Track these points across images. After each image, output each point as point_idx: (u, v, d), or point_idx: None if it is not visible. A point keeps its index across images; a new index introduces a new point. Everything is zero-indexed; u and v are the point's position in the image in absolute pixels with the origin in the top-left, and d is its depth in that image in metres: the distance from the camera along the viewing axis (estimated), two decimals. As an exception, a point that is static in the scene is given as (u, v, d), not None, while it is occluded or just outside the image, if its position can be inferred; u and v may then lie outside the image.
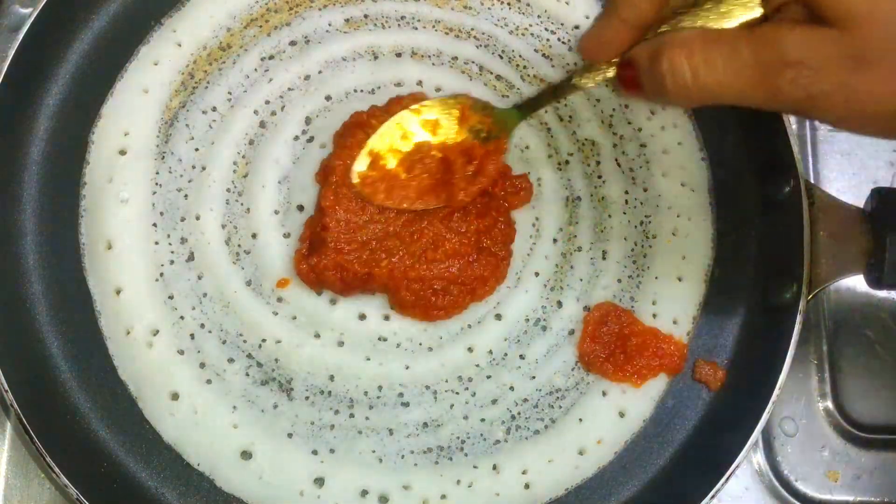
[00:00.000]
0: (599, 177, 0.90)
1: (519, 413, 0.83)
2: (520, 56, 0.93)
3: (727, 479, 0.78)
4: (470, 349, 0.84)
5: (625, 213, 0.90)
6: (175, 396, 0.79)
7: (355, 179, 0.82)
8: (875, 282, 0.81)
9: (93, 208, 0.83)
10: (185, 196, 0.85)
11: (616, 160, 0.91)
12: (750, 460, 0.92)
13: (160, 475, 0.78)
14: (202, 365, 0.81)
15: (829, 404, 0.95)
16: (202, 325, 0.82)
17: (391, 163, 0.82)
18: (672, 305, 0.87)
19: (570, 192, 0.90)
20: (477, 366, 0.83)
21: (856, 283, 0.87)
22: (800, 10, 0.57)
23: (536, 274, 0.87)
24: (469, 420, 0.82)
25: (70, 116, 0.86)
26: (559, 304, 0.86)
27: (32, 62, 0.83)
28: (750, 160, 0.91)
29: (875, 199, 0.83)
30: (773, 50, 0.55)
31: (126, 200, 0.84)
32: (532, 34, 0.94)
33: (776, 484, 0.91)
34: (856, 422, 0.94)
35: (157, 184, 0.85)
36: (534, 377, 0.84)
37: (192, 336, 0.81)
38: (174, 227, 0.84)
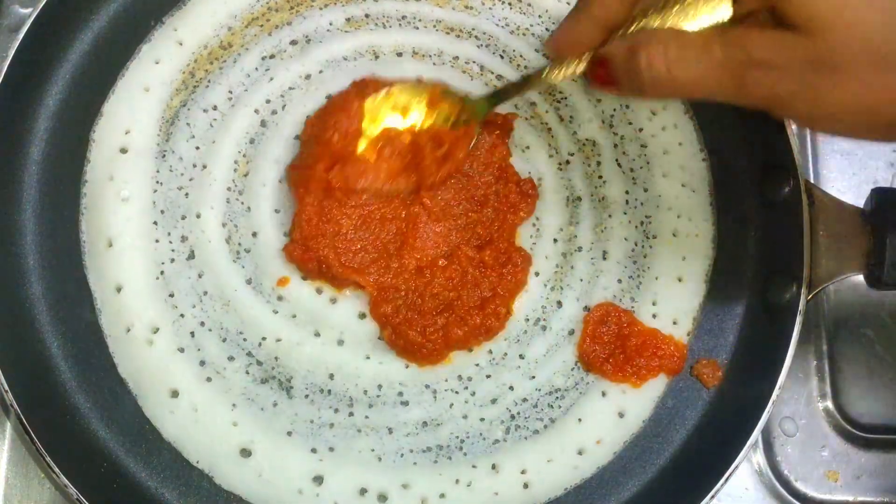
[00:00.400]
0: (600, 177, 0.90)
1: (518, 413, 0.83)
2: (521, 56, 0.94)
3: (727, 479, 0.77)
4: (470, 348, 0.84)
5: (625, 214, 0.89)
6: (175, 394, 0.79)
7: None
8: (875, 282, 0.81)
9: (93, 206, 0.83)
10: (186, 194, 0.85)
11: (617, 160, 0.91)
12: (750, 460, 0.92)
13: (160, 475, 0.78)
14: (202, 363, 0.81)
15: (829, 404, 0.95)
16: (202, 324, 0.82)
17: (360, 146, 0.83)
18: (672, 306, 0.87)
19: (571, 193, 0.90)
20: (476, 365, 0.83)
21: (856, 283, 0.88)
22: (768, 16, 0.59)
23: (537, 274, 0.87)
24: (468, 419, 0.82)
25: (71, 115, 0.86)
26: (559, 303, 0.86)
27: (32, 62, 0.83)
28: (750, 160, 0.91)
29: (875, 199, 0.83)
30: (741, 50, 0.58)
31: (127, 199, 0.84)
32: (533, 34, 0.94)
33: (776, 484, 0.91)
34: (856, 422, 0.94)
35: (157, 182, 0.85)
36: (533, 377, 0.84)
37: (193, 334, 0.81)
38: (175, 225, 0.84)
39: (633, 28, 0.66)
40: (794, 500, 0.91)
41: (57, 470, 0.72)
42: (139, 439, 0.79)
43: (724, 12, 0.63)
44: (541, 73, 0.73)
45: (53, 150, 0.84)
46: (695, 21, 0.64)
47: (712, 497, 0.77)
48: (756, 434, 0.79)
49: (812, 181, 0.97)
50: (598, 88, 0.68)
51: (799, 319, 0.81)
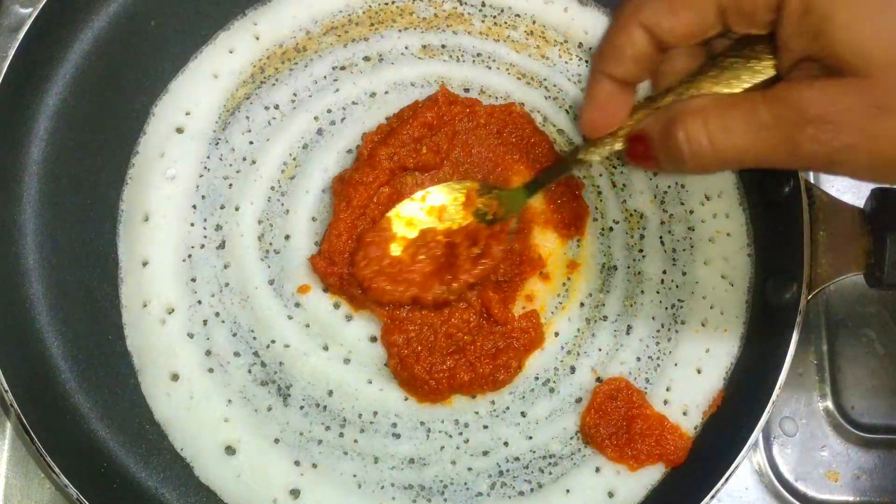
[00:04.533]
0: (640, 251, 0.89)
1: (507, 470, 0.81)
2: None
3: (727, 479, 0.76)
4: (473, 395, 0.83)
5: (658, 293, 0.88)
6: (175, 378, 0.80)
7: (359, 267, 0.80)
8: (875, 281, 0.80)
9: (139, 178, 0.85)
10: (230, 185, 0.86)
11: (661, 238, 0.89)
12: (750, 460, 0.90)
13: (160, 475, 0.79)
14: (208, 353, 0.81)
15: (829, 404, 0.93)
16: (217, 314, 0.82)
17: (396, 250, 0.81)
18: (685, 396, 0.84)
19: (608, 260, 0.88)
20: (476, 413, 0.82)
21: (856, 282, 0.86)
22: (815, 66, 0.55)
23: (556, 334, 0.86)
24: (456, 466, 0.81)
25: (71, 114, 0.85)
26: (572, 369, 0.85)
27: (33, 62, 0.81)
28: None
29: (875, 199, 0.82)
30: (791, 108, 0.53)
31: (173, 177, 0.85)
32: (603, 96, 0.94)
33: (776, 484, 0.90)
34: (856, 422, 0.93)
35: (205, 167, 0.86)
36: (531, 437, 0.82)
37: (205, 322, 0.82)
38: (212, 212, 0.85)
39: (667, 99, 0.62)
40: (794, 500, 0.90)
41: (57, 470, 0.72)
42: (139, 440, 0.79)
43: (767, 71, 0.59)
44: (576, 153, 0.71)
45: (54, 151, 0.84)
46: (737, 86, 0.60)
47: (712, 497, 0.76)
48: (756, 434, 0.77)
49: (812, 181, 0.95)
50: (638, 165, 0.65)
51: (799, 319, 0.79)
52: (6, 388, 0.74)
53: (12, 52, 0.80)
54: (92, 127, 0.85)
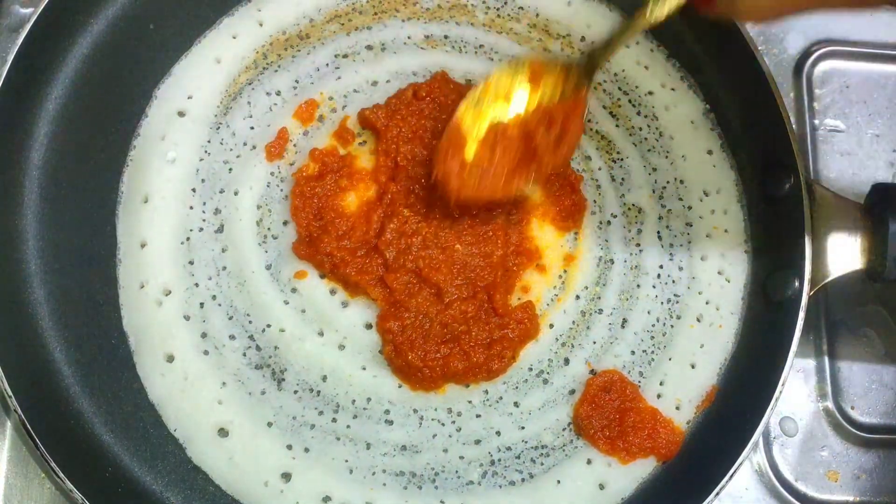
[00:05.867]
0: (638, 245, 0.89)
1: (499, 459, 0.81)
2: (588, 110, 0.93)
3: (728, 479, 0.76)
4: (466, 384, 0.83)
5: (654, 287, 0.88)
6: (170, 358, 0.80)
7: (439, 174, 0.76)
8: (876, 276, 0.80)
9: (140, 160, 0.85)
10: (230, 169, 0.86)
11: (658, 232, 0.89)
12: (750, 460, 0.90)
13: (165, 478, 0.79)
14: (204, 335, 0.81)
15: (830, 404, 0.93)
16: (214, 297, 0.83)
17: (469, 153, 0.75)
18: (679, 390, 0.84)
19: (605, 253, 0.88)
20: (469, 402, 0.82)
21: (856, 282, 0.86)
22: None
23: (551, 326, 0.86)
24: (448, 454, 0.81)
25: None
26: (566, 361, 0.85)
27: (32, 65, 0.81)
28: (752, 157, 0.90)
29: (875, 195, 0.81)
30: None
31: (173, 160, 0.86)
32: (605, 90, 0.94)
33: (776, 484, 0.89)
34: (856, 422, 0.92)
35: (206, 151, 0.87)
36: (523, 427, 0.82)
37: (202, 305, 0.82)
38: (212, 196, 0.85)
39: None
40: (794, 500, 0.89)
41: (62, 475, 0.72)
42: (144, 443, 0.79)
43: None
44: (644, 12, 0.68)
45: (54, 156, 0.84)
46: None
47: (717, 495, 0.76)
48: (756, 434, 0.77)
49: (812, 178, 0.95)
50: (701, 12, 0.64)
51: (802, 315, 0.79)
52: (9, 392, 0.73)
53: (12, 56, 0.79)
54: (92, 125, 0.85)
